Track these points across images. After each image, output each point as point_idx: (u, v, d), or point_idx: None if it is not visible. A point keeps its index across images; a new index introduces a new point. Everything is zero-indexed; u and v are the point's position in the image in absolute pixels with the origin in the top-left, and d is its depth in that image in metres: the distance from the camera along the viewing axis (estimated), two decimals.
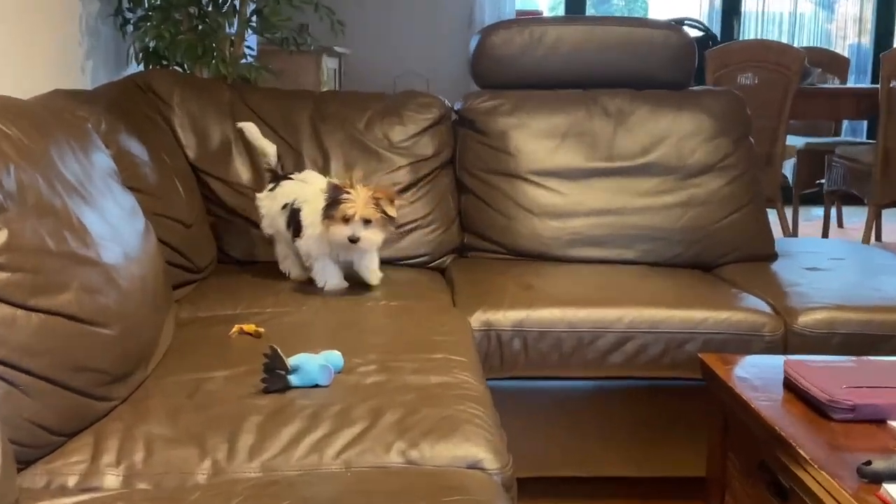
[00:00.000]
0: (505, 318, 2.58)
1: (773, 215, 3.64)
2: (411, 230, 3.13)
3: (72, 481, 1.59)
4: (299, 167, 3.07)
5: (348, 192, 2.49)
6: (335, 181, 2.56)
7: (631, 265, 3.10)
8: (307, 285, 2.74)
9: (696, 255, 3.15)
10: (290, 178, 2.78)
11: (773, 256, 3.24)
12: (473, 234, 3.25)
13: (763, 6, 7.99)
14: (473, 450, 1.69)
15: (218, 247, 3.04)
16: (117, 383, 1.83)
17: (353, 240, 2.49)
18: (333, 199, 2.50)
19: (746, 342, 2.56)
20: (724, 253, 3.17)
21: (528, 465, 2.60)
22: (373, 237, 2.54)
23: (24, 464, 1.58)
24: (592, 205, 3.17)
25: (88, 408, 1.72)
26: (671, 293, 2.74)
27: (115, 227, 2.02)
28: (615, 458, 2.67)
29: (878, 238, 6.17)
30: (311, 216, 2.60)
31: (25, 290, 1.62)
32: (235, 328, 2.27)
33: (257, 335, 2.25)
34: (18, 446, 1.55)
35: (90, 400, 1.74)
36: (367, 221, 2.51)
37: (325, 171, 3.07)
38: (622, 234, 3.15)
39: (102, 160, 2.17)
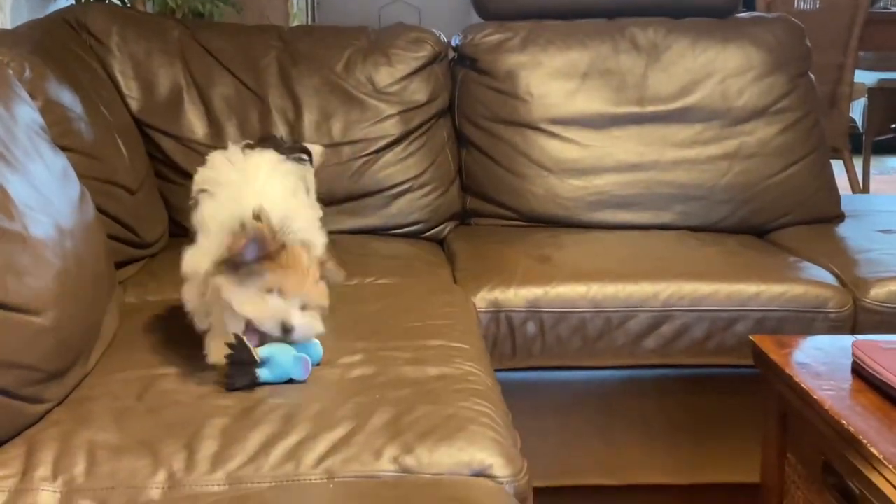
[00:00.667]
0: (516, 296, 2.59)
1: (838, 167, 3.65)
2: (402, 193, 3.13)
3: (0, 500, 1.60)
4: (265, 121, 3.07)
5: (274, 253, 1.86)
6: (256, 225, 1.86)
7: (667, 230, 3.11)
8: None
9: (746, 218, 3.16)
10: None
11: (840, 217, 3.24)
12: (477, 197, 3.26)
13: None
14: (480, 454, 1.70)
15: (170, 217, 3.05)
16: (52, 382, 1.83)
17: (287, 329, 1.89)
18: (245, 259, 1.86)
19: (808, 321, 2.57)
20: (780, 214, 3.18)
21: (547, 472, 2.63)
22: (313, 326, 1.94)
23: None
24: (620, 158, 3.17)
25: (17, 412, 1.73)
26: (716, 263, 2.75)
27: (44, 194, 2.02)
28: (651, 463, 2.69)
29: None
30: (210, 226, 1.99)
31: None
32: None
33: None
34: None
35: (19, 402, 1.74)
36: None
37: (296, 125, 3.07)
38: (656, 193, 3.15)
39: (27, 114, 2.16)
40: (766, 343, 2.13)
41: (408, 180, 3.14)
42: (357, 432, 1.74)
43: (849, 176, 5.24)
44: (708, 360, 2.61)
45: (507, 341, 2.58)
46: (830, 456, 1.85)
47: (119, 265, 2.58)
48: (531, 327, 2.57)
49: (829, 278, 2.66)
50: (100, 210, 2.40)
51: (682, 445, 2.67)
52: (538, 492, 2.61)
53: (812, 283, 2.62)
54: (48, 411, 1.82)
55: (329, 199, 3.08)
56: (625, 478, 2.70)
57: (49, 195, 2.04)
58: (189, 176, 3.02)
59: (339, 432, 1.74)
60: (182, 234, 3.03)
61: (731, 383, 2.63)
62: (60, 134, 2.38)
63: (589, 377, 2.65)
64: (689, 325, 2.58)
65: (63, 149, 2.31)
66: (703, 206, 3.16)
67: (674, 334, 2.59)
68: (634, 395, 2.66)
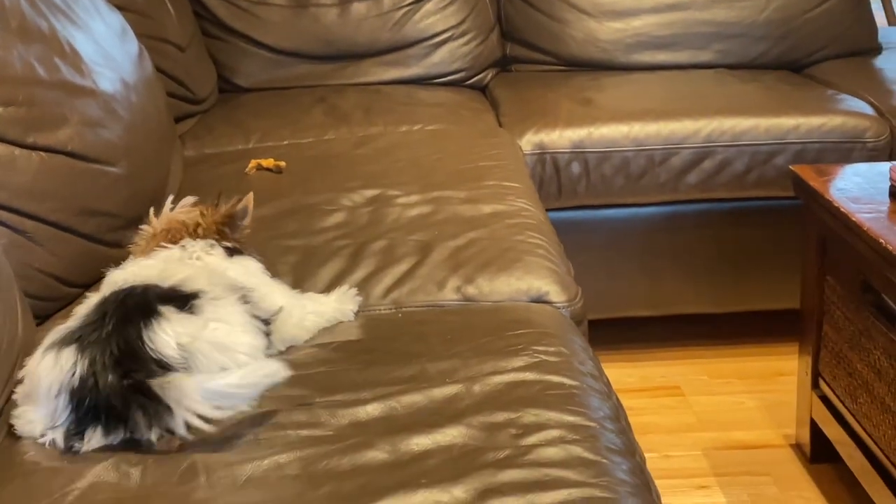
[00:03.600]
0: (561, 138, 2.65)
1: (874, 1, 3.62)
2: (443, 42, 3.17)
3: None
4: None
5: None
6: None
7: (706, 69, 3.13)
8: (331, 112, 2.80)
9: (784, 53, 3.17)
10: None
11: (876, 50, 3.25)
12: (517, 44, 3.29)
13: None
14: (537, 282, 1.80)
15: (219, 74, 3.11)
16: (130, 228, 1.92)
17: None
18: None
19: (846, 151, 2.62)
20: (817, 48, 3.19)
21: (593, 305, 2.72)
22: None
23: (40, 318, 1.71)
24: None
25: (102, 255, 1.83)
26: (755, 98, 2.79)
27: (107, 51, 2.09)
28: (694, 294, 2.79)
29: None
30: None
31: (21, 125, 1.71)
32: (252, 164, 2.37)
33: (278, 170, 2.35)
34: (33, 299, 1.67)
35: (102, 247, 1.85)
36: None
37: None
38: (694, 32, 3.17)
39: None
40: (806, 172, 2.19)
41: (448, 29, 3.18)
42: (420, 266, 1.84)
43: (885, 8, 5.17)
44: (748, 193, 2.68)
45: (552, 182, 2.65)
46: (869, 275, 1.93)
47: (175, 121, 2.66)
48: (576, 167, 2.64)
49: (866, 109, 2.70)
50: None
51: (722, 276, 2.75)
52: None
53: (850, 113, 2.67)
54: (129, 255, 1.93)
55: (371, 51, 3.15)
56: (668, 309, 2.80)
57: (112, 51, 2.11)
58: (234, 32, 3.11)
59: (403, 266, 1.84)
60: (231, 90, 3.12)
61: (771, 215, 2.69)
62: None
63: (632, 214, 2.72)
64: (729, 160, 2.64)
65: (115, 7, 2.37)
66: (740, 44, 3.17)
67: (715, 169, 2.65)
68: (677, 229, 2.73)
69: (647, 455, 2.35)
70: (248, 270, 1.59)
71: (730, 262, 2.75)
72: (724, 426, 2.50)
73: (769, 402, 2.58)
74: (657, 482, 2.29)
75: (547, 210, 2.58)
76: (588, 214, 2.72)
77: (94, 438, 1.31)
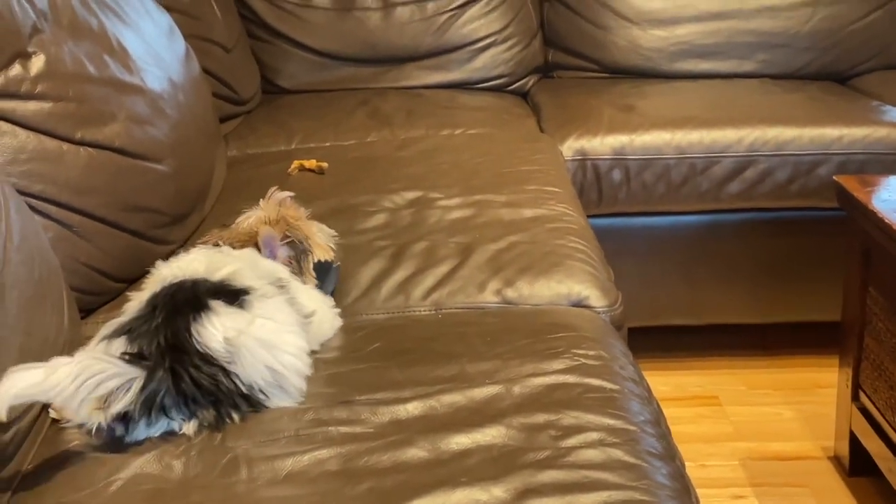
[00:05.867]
0: (602, 144, 2.65)
1: None
2: (486, 47, 3.18)
3: None
4: None
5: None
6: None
7: (750, 78, 3.12)
8: (373, 115, 2.82)
9: (829, 64, 3.16)
10: None
11: None
12: (560, 50, 3.29)
13: None
14: (577, 287, 1.80)
15: (263, 75, 3.14)
16: (175, 225, 1.96)
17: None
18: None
19: (890, 163, 2.60)
20: (862, 60, 3.18)
21: (633, 313, 2.72)
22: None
23: (85, 312, 1.73)
24: (702, 8, 3.17)
25: (146, 251, 1.86)
26: (799, 108, 2.78)
27: (155, 50, 2.12)
28: (734, 304, 2.78)
29: None
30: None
31: (70, 121, 1.73)
32: (295, 164, 2.38)
33: (320, 171, 2.37)
34: (78, 293, 1.69)
35: (148, 242, 1.87)
36: None
37: None
38: (739, 41, 3.16)
39: None
40: (850, 182, 2.18)
41: (491, 34, 3.19)
42: (460, 268, 1.85)
43: None
44: (790, 203, 2.66)
45: (593, 188, 2.65)
46: None
47: (219, 121, 2.68)
48: (617, 174, 2.64)
49: None
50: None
51: (763, 287, 2.74)
52: None
53: (894, 125, 2.64)
54: (172, 252, 1.95)
55: (414, 55, 3.16)
56: (707, 318, 2.79)
57: (159, 51, 2.14)
58: (279, 34, 3.14)
59: (444, 268, 1.85)
60: (275, 91, 3.15)
61: (813, 226, 2.68)
62: None
63: (673, 222, 2.72)
64: (772, 169, 2.63)
65: (165, 8, 2.40)
66: (785, 54, 3.16)
67: (757, 178, 2.64)
68: (717, 239, 2.72)
69: None
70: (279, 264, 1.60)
71: (771, 272, 2.73)
72: (762, 437, 2.49)
73: (808, 414, 2.57)
74: None
75: (587, 216, 2.59)
76: (628, 222, 2.72)
77: (139, 429, 1.32)
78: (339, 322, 1.67)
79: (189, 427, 1.34)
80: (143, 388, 1.30)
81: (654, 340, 2.82)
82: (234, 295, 1.40)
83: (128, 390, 1.29)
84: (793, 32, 3.16)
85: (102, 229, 1.77)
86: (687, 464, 2.37)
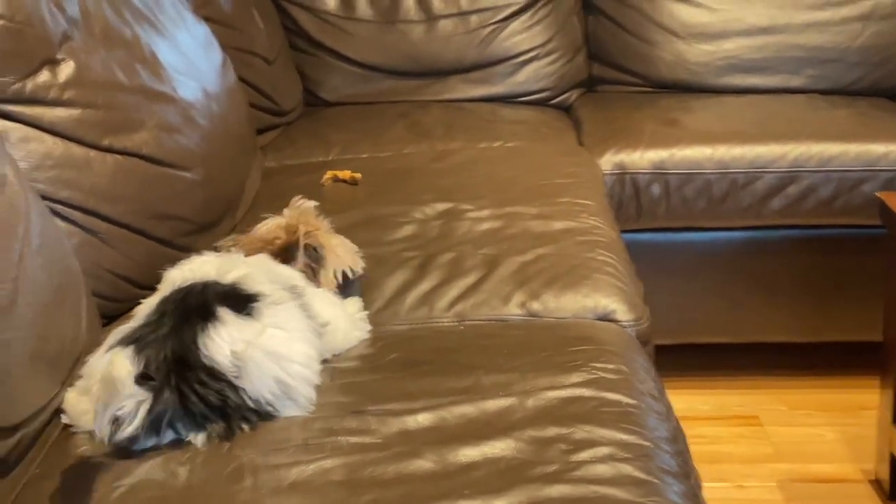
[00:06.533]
0: (642, 158, 2.62)
1: None
2: (529, 60, 3.16)
3: None
4: None
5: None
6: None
7: (798, 94, 3.06)
8: (412, 127, 2.81)
9: (880, 80, 3.08)
10: None
11: None
12: (604, 64, 3.26)
13: None
14: (604, 301, 1.77)
15: (305, 87, 3.15)
16: (203, 233, 1.96)
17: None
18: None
19: None
20: None
21: (671, 330, 2.69)
22: None
23: (107, 319, 1.74)
24: (750, 22, 3.12)
25: (173, 259, 1.82)
26: (845, 124, 2.72)
27: (190, 60, 2.13)
28: (775, 322, 2.72)
29: None
30: None
31: (98, 128, 1.75)
32: (328, 174, 2.38)
33: (353, 182, 2.36)
34: (101, 299, 1.70)
35: (174, 250, 1.87)
36: None
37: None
38: (787, 56, 3.10)
39: None
40: (892, 199, 2.13)
41: (535, 48, 3.16)
42: (486, 280, 1.83)
43: None
44: (834, 220, 2.61)
45: (631, 203, 2.62)
46: None
47: (258, 132, 2.70)
48: (656, 189, 2.61)
49: None
50: (239, 78, 2.51)
51: (804, 305, 2.68)
52: (663, 349, 2.69)
53: None
54: None
55: (456, 68, 3.15)
56: (748, 336, 2.74)
57: (195, 60, 2.15)
58: (322, 47, 3.15)
59: (469, 280, 1.84)
60: (317, 103, 3.15)
61: (857, 243, 2.62)
62: (201, 4, 2.49)
63: (713, 238, 2.67)
64: (816, 186, 2.58)
65: (204, 19, 2.41)
66: (834, 70, 3.09)
67: (800, 195, 2.59)
68: (758, 255, 2.67)
69: (719, 485, 2.34)
70: (295, 270, 1.59)
71: (813, 290, 2.68)
72: (802, 458, 2.43)
73: (850, 436, 2.50)
74: None
75: (625, 231, 2.55)
76: (668, 237, 2.68)
77: (149, 442, 1.32)
78: (363, 330, 1.66)
79: (198, 439, 1.33)
80: (149, 410, 1.29)
81: (694, 358, 2.77)
82: (244, 301, 1.39)
83: (136, 415, 1.29)
84: (843, 47, 3.09)
85: (128, 236, 1.78)
86: (723, 485, 2.36)
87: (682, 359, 2.78)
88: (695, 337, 2.73)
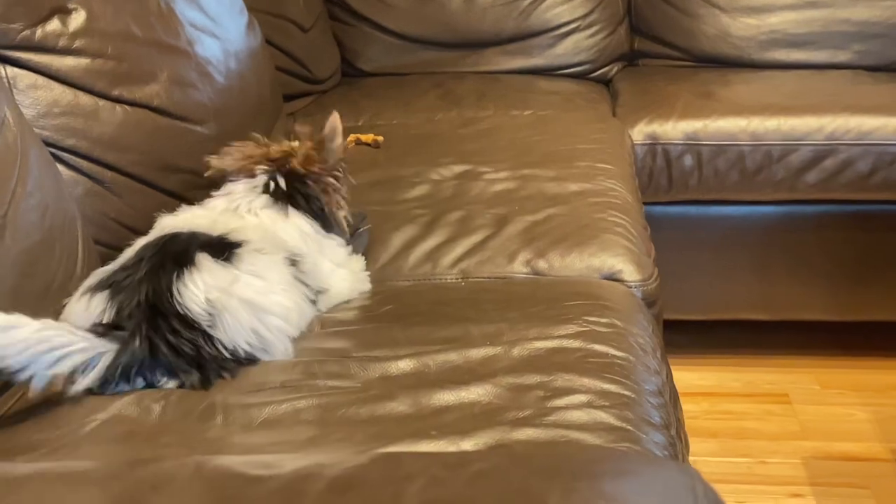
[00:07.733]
0: (675, 129, 2.56)
1: None
2: (568, 33, 3.11)
3: None
4: None
5: None
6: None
7: (844, 70, 2.98)
8: (445, 96, 2.78)
9: None
10: None
11: None
12: (646, 38, 3.20)
13: None
14: (611, 260, 1.74)
15: (343, 57, 3.14)
16: (213, 188, 1.96)
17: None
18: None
19: None
20: None
21: (702, 306, 2.64)
22: None
23: None
24: None
25: None
26: (886, 97, 2.64)
27: (213, 18, 2.13)
28: (810, 300, 2.65)
29: None
30: None
31: (108, 78, 1.75)
32: (351, 137, 2.37)
33: (376, 145, 2.35)
34: (103, 247, 1.70)
35: (183, 203, 1.87)
36: None
37: None
38: (833, 31, 3.02)
39: None
40: None
41: (575, 20, 3.11)
42: (493, 238, 1.81)
43: None
44: (871, 195, 2.53)
45: (663, 174, 2.56)
46: None
47: (290, 97, 2.70)
48: (688, 160, 2.55)
49: None
50: (270, 42, 2.51)
51: (841, 283, 2.61)
52: (693, 325, 2.64)
53: None
54: None
55: (495, 39, 3.12)
56: (779, 313, 2.67)
57: (217, 19, 2.15)
58: (361, 17, 3.13)
59: (476, 238, 1.81)
60: (355, 74, 3.14)
61: (894, 220, 2.54)
62: None
63: (747, 212, 2.61)
64: (853, 159, 2.50)
65: None
66: (882, 45, 3.00)
67: (837, 168, 2.51)
68: (792, 230, 2.60)
69: (741, 460, 2.29)
70: (302, 233, 1.56)
71: (849, 267, 2.60)
72: (829, 436, 2.37)
73: (882, 416, 2.43)
74: (746, 486, 2.21)
75: (656, 203, 2.52)
76: (700, 210, 2.62)
77: (116, 385, 1.30)
78: (363, 288, 1.64)
79: (171, 385, 1.32)
80: (113, 362, 1.27)
81: (726, 335, 2.72)
82: (224, 248, 1.37)
83: (94, 367, 1.26)
84: (892, 22, 3.00)
85: (136, 186, 1.79)
86: (746, 460, 2.31)
87: (712, 335, 2.73)
88: (727, 313, 2.67)
